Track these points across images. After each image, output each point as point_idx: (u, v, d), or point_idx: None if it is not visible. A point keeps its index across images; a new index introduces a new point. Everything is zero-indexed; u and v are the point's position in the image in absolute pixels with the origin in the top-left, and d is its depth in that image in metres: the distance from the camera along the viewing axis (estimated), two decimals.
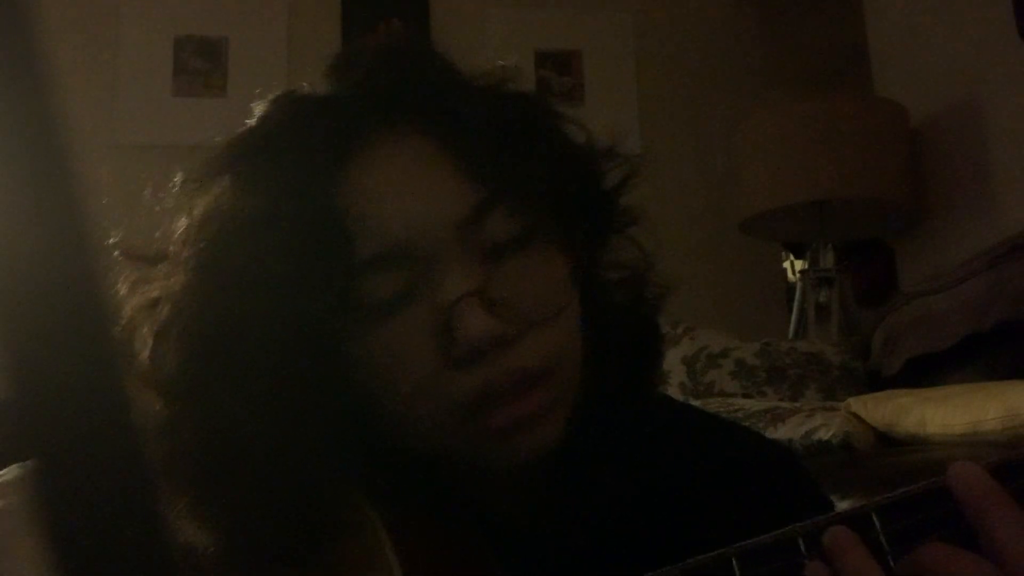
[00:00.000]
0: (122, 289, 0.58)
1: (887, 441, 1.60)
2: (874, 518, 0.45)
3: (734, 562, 0.46)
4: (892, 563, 0.45)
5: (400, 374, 0.54)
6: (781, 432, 1.65)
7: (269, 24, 3.22)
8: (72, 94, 0.25)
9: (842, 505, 0.69)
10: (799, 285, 2.82)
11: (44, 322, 0.23)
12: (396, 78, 0.58)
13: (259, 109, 0.60)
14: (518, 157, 0.57)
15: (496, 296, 0.54)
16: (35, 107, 0.23)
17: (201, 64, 3.18)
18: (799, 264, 3.27)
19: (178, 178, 0.59)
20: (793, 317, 2.79)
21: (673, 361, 2.29)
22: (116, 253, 0.59)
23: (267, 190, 0.55)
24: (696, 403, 2.00)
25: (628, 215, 0.64)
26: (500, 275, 0.55)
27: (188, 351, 0.54)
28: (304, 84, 0.61)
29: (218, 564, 0.53)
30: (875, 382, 2.21)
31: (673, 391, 2.23)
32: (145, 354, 0.55)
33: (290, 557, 0.53)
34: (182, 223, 0.58)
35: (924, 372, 2.02)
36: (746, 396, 2.19)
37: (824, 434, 1.59)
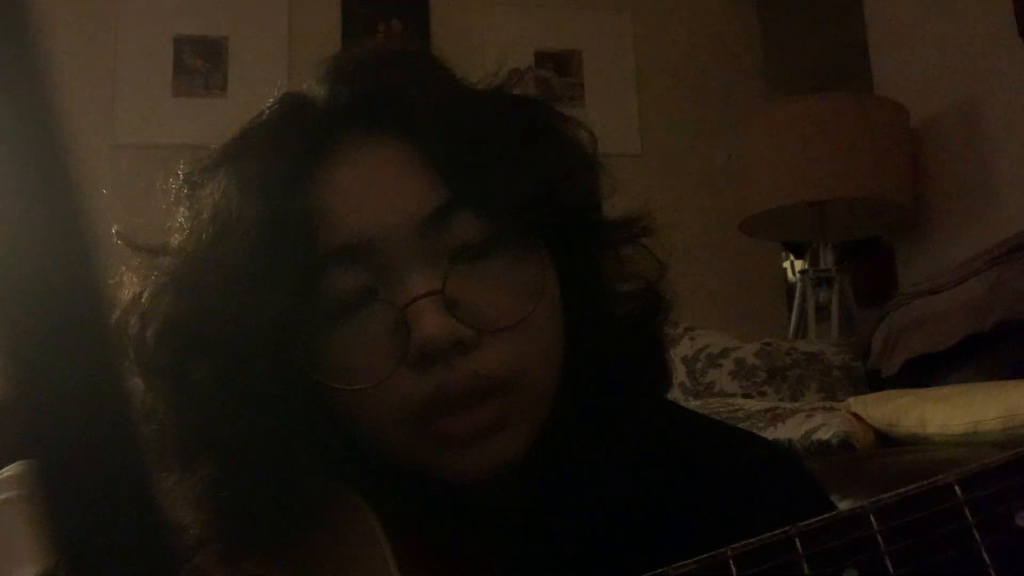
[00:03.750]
0: (121, 279, 0.59)
1: (887, 441, 1.60)
2: (871, 518, 0.45)
3: (731, 563, 0.46)
4: (890, 564, 0.45)
5: (356, 372, 0.54)
6: (781, 432, 1.65)
7: (269, 24, 3.22)
8: (72, 94, 0.25)
9: (842, 505, 0.69)
10: (799, 285, 2.82)
11: (44, 322, 0.23)
12: (377, 83, 0.58)
13: (267, 105, 0.61)
14: (491, 164, 0.56)
15: (457, 299, 0.53)
16: (35, 107, 0.23)
17: (201, 64, 3.18)
18: (799, 264, 3.27)
19: (181, 170, 0.60)
20: (793, 317, 2.79)
21: (673, 361, 2.29)
22: (118, 241, 0.60)
23: (246, 187, 0.56)
24: (696, 403, 2.01)
25: (642, 225, 0.62)
26: (462, 278, 0.54)
27: (165, 338, 0.55)
28: (304, 85, 0.62)
29: (214, 557, 0.54)
30: (875, 382, 2.21)
31: (673, 391, 2.23)
32: (133, 337, 0.56)
33: (273, 541, 0.54)
34: (180, 217, 0.59)
35: (924, 372, 2.01)
36: (746, 396, 2.19)
37: (824, 434, 1.59)
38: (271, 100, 0.61)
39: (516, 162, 0.57)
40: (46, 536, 0.23)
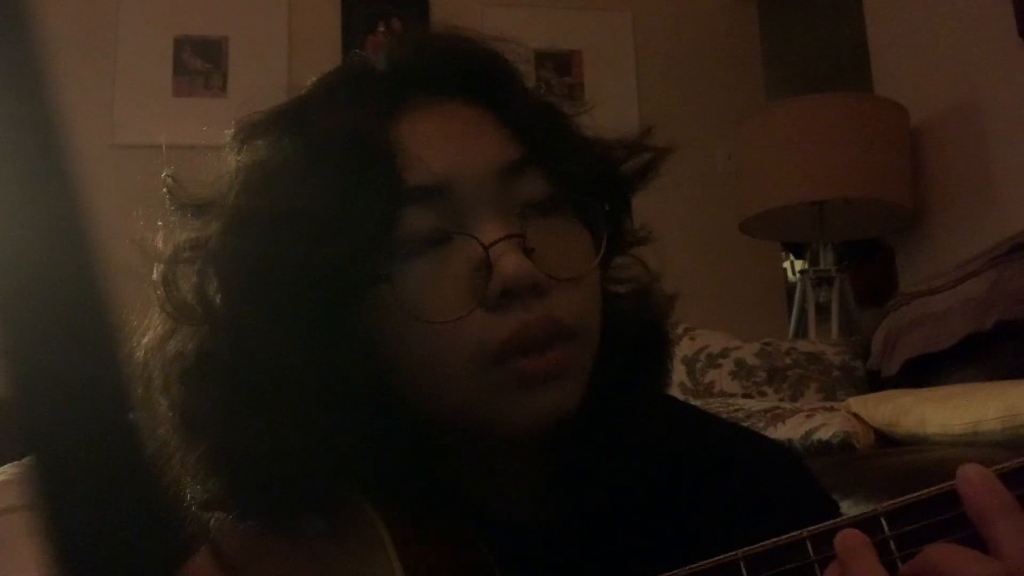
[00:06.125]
0: (160, 233, 0.60)
1: (887, 441, 1.60)
2: (883, 522, 0.45)
3: (742, 565, 0.46)
4: (901, 567, 0.44)
5: (431, 314, 0.55)
6: (781, 432, 1.65)
7: (269, 24, 3.22)
8: (72, 94, 0.25)
9: (843, 505, 0.69)
10: (799, 285, 2.82)
11: (44, 321, 0.23)
12: (448, 53, 0.62)
13: (311, 80, 0.63)
14: (552, 134, 0.60)
15: (533, 246, 0.56)
16: (35, 107, 0.23)
17: (201, 64, 3.18)
18: (799, 264, 3.27)
19: (231, 128, 0.61)
20: (793, 317, 2.79)
21: (673, 361, 2.29)
22: (164, 191, 0.61)
23: (318, 132, 0.57)
24: (696, 403, 2.00)
25: (637, 234, 0.65)
26: (533, 230, 0.56)
27: (232, 278, 0.56)
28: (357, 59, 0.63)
29: (226, 529, 0.54)
30: (875, 382, 2.21)
31: (673, 391, 2.22)
32: (188, 288, 0.57)
33: (292, 515, 0.55)
34: (232, 164, 0.60)
35: (924, 372, 2.01)
36: (746, 396, 2.19)
37: (824, 434, 1.59)
38: (332, 69, 0.63)
39: (574, 134, 0.62)
40: (45, 541, 0.23)
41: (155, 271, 0.58)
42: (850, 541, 0.45)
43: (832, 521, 0.46)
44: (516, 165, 0.58)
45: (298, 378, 0.54)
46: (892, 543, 0.45)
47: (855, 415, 1.66)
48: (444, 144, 0.57)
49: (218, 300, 0.56)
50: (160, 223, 0.60)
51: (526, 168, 0.58)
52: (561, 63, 3.36)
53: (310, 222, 0.54)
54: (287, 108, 0.60)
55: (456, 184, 0.56)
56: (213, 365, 0.56)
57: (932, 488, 0.45)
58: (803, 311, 2.74)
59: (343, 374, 0.55)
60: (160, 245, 0.59)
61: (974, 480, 0.44)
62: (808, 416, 1.68)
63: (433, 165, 0.56)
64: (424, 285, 0.55)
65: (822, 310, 2.73)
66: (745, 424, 1.68)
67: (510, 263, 0.54)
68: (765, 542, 0.46)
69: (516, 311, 0.54)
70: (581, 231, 0.59)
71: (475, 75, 0.61)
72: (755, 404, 1.87)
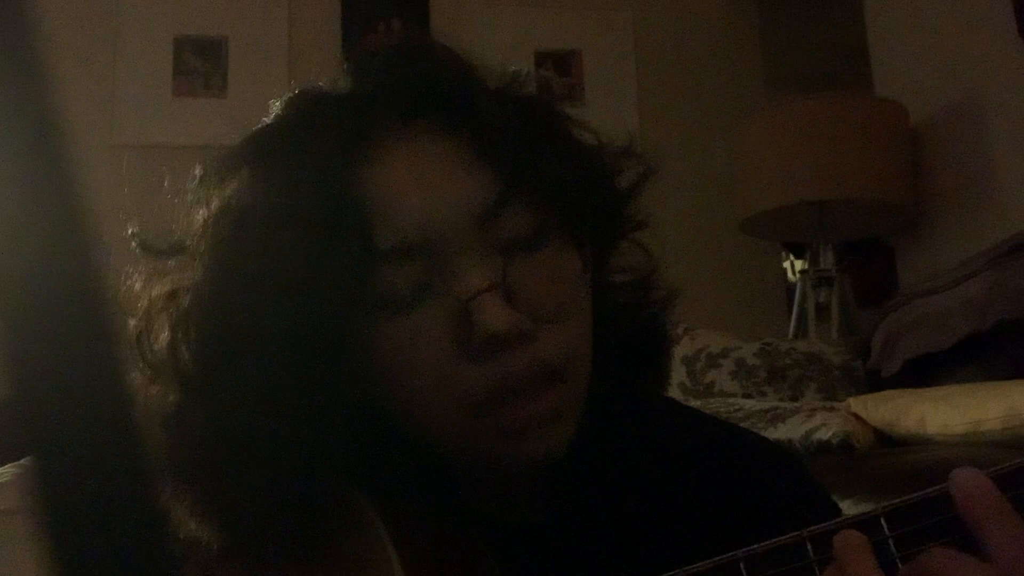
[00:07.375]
0: (137, 281, 0.58)
1: (887, 441, 1.60)
2: (882, 522, 0.45)
3: (742, 566, 0.46)
4: (900, 567, 0.44)
5: (414, 369, 0.54)
6: (781, 432, 1.65)
7: (269, 24, 3.22)
8: (72, 94, 0.25)
9: (843, 505, 0.69)
10: (799, 285, 2.82)
11: (44, 322, 0.23)
12: (416, 76, 0.58)
13: (277, 105, 0.60)
14: (535, 156, 0.57)
15: (515, 290, 0.54)
16: (35, 107, 0.23)
17: (201, 64, 3.18)
18: (799, 264, 3.27)
19: (197, 171, 0.59)
20: (793, 317, 2.79)
21: (673, 361, 2.28)
22: (133, 245, 0.59)
23: (284, 183, 0.55)
24: (696, 403, 2.00)
25: (635, 219, 0.64)
26: (517, 270, 0.55)
27: (203, 342, 0.54)
28: (323, 81, 0.61)
29: (219, 559, 0.54)
30: (875, 382, 2.21)
31: (673, 391, 2.23)
32: (162, 345, 0.56)
33: (289, 552, 0.54)
34: (200, 216, 0.58)
35: (924, 372, 2.01)
36: (746, 396, 2.19)
37: (824, 434, 1.59)
38: (283, 97, 0.60)
39: (558, 154, 0.58)
40: (45, 545, 0.23)
41: (130, 327, 0.57)
42: (848, 541, 0.45)
43: (832, 521, 0.46)
44: (496, 204, 0.55)
45: (278, 435, 0.53)
46: (892, 543, 0.45)
47: (855, 415, 1.66)
48: (416, 194, 0.54)
49: (191, 364, 0.55)
50: (131, 275, 0.58)
51: (506, 204, 0.55)
52: (561, 63, 3.35)
53: (280, 283, 0.52)
54: (252, 147, 0.58)
55: (432, 237, 0.54)
56: (191, 418, 0.55)
57: (933, 488, 0.45)
58: (803, 311, 2.74)
59: (331, 412, 0.54)
60: (137, 288, 0.58)
61: (966, 485, 0.44)
62: (808, 416, 1.68)
63: (406, 220, 0.54)
64: (404, 343, 0.54)
65: (822, 310, 2.73)
66: (745, 424, 1.68)
67: (491, 316, 0.52)
68: (765, 543, 0.46)
69: (500, 360, 0.53)
70: (569, 256, 0.57)
71: (447, 102, 0.57)
72: (755, 404, 1.87)
